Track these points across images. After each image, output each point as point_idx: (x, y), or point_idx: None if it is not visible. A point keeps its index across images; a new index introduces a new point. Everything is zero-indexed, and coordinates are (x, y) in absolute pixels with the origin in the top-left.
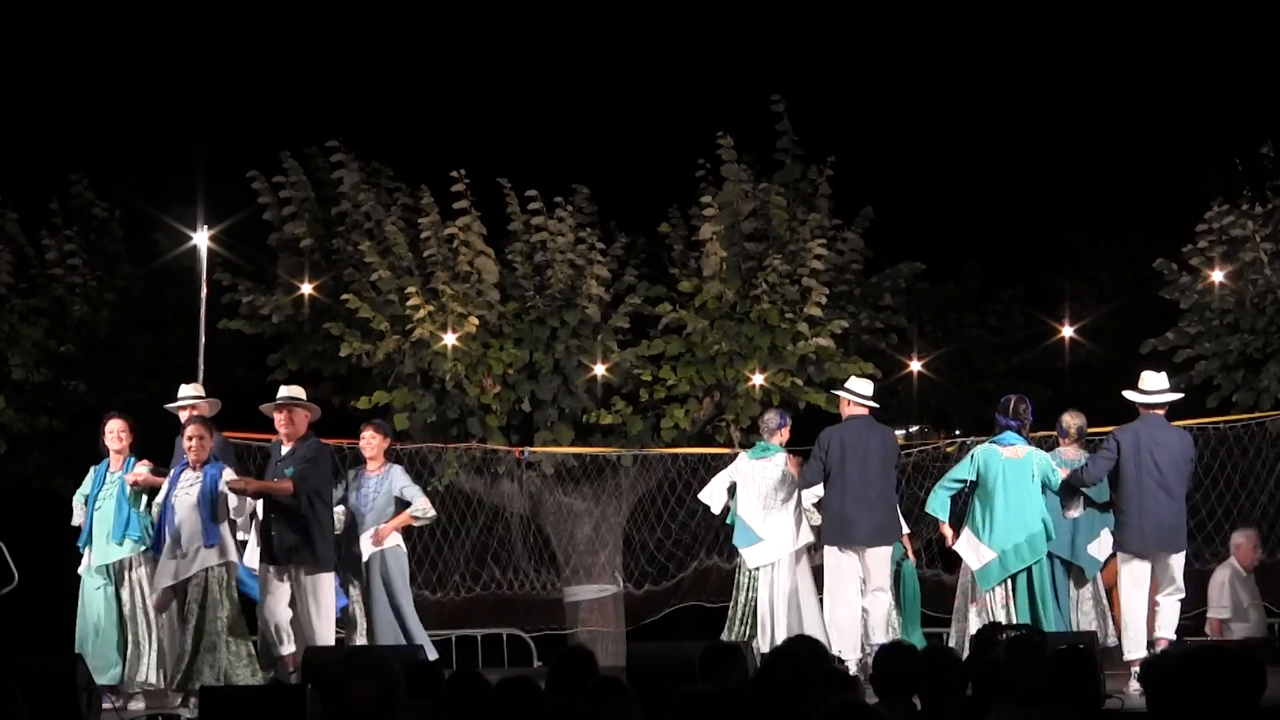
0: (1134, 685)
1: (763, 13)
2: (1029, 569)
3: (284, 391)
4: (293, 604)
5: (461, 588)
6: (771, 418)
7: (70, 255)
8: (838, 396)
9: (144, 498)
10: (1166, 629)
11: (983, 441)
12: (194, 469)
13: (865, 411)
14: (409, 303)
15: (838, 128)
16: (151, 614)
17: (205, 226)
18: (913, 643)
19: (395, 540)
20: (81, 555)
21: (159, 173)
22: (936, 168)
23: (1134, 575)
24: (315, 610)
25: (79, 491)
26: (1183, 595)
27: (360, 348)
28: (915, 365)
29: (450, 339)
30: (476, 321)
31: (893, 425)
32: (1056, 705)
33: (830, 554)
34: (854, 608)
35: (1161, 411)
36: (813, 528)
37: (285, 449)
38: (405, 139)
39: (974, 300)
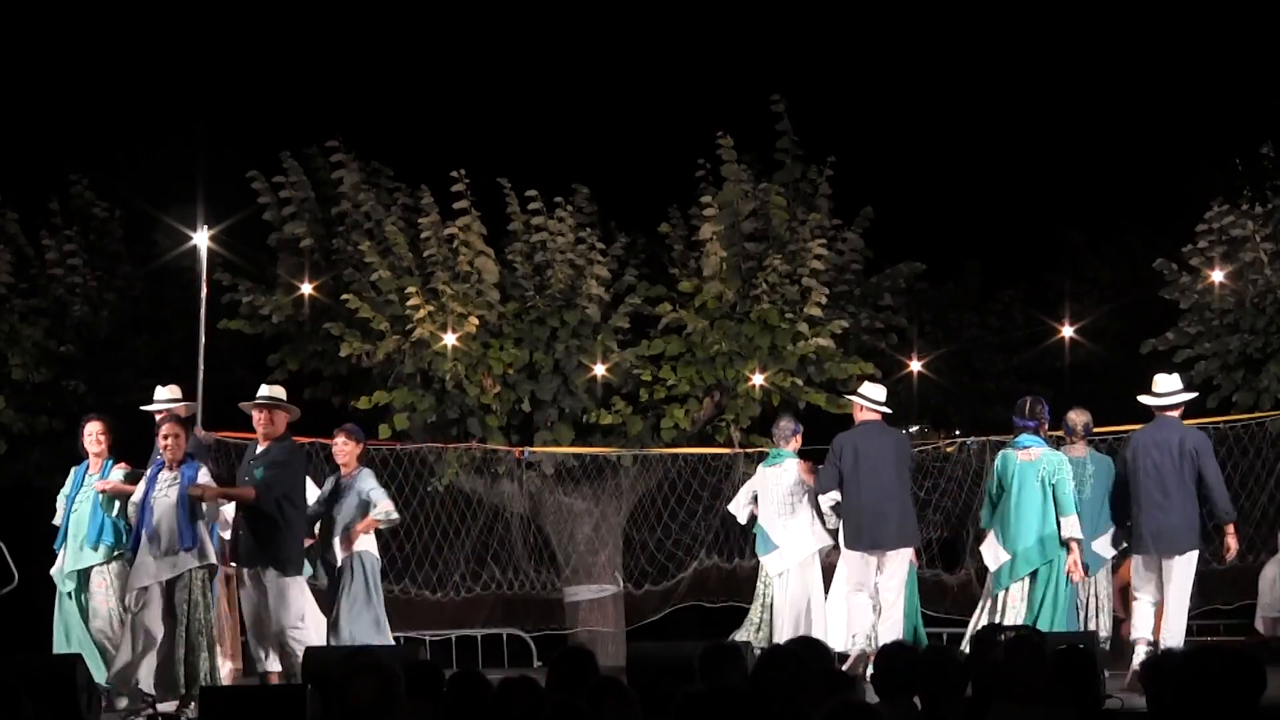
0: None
1: (763, 13)
2: (1037, 570)
3: (264, 390)
4: (264, 606)
5: (461, 588)
6: (786, 425)
7: (70, 255)
8: (838, 397)
9: (116, 504)
10: (1166, 633)
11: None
12: (170, 469)
13: (878, 417)
14: (409, 303)
15: (838, 128)
16: (119, 616)
17: (205, 226)
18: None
19: (365, 544)
20: (57, 555)
21: (159, 173)
22: (936, 168)
23: (1140, 575)
24: (285, 613)
25: (61, 491)
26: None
27: (360, 348)
28: (915, 365)
29: (450, 339)
30: (476, 321)
31: (892, 425)
32: (1056, 705)
33: (848, 556)
34: (857, 604)
35: (1174, 413)
36: (829, 531)
37: (260, 448)
38: (405, 139)
39: (974, 300)
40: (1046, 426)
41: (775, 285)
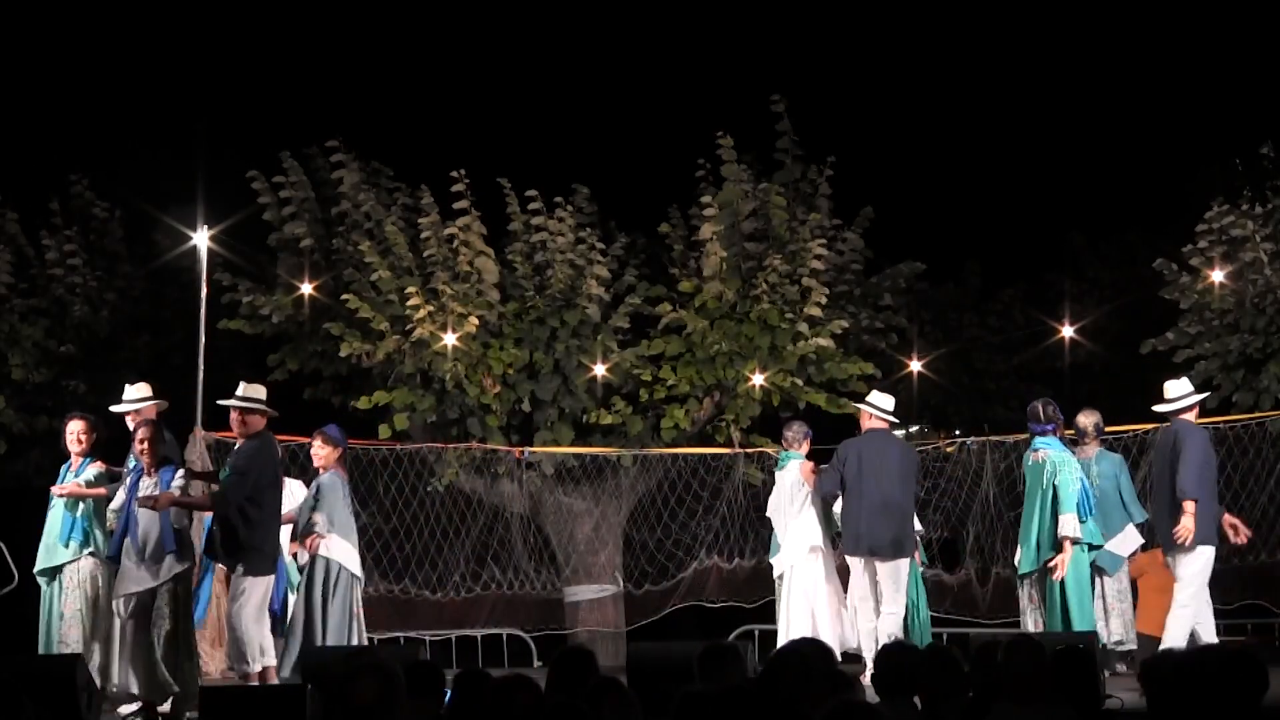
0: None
1: (763, 13)
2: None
3: (241, 390)
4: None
5: (461, 588)
6: (797, 429)
7: (70, 255)
8: (838, 397)
9: (80, 505)
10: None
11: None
12: (149, 474)
13: (885, 425)
14: (409, 303)
15: (838, 128)
16: (90, 617)
17: (205, 226)
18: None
19: (338, 551)
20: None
21: (159, 173)
22: (936, 168)
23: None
24: (242, 612)
25: (53, 488)
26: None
27: (360, 348)
28: (915, 365)
29: (450, 339)
30: (476, 321)
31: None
32: (1056, 705)
33: (850, 563)
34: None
35: (1189, 415)
36: (833, 536)
37: (236, 447)
38: (405, 139)
39: (974, 300)
40: (1062, 426)
41: (775, 285)
